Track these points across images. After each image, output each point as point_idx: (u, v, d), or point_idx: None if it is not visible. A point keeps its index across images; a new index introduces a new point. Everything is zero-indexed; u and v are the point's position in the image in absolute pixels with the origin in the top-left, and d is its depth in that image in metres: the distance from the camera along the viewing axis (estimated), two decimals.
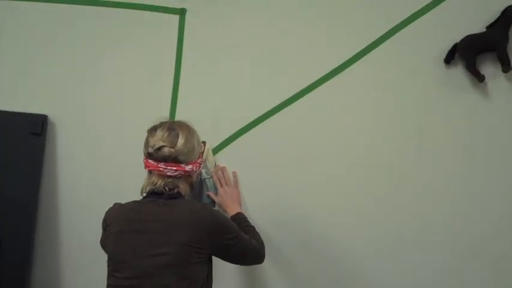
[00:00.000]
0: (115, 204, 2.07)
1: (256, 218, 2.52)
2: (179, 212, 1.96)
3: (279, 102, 2.55)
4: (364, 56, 2.48)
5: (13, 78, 2.83)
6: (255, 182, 2.55)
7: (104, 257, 2.02)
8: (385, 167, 2.46)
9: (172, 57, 2.67)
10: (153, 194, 2.03)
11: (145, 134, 2.05)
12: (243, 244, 2.08)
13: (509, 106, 2.35)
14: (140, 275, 1.91)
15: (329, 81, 2.51)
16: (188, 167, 2.04)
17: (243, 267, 2.54)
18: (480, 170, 2.38)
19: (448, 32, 2.39)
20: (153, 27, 2.68)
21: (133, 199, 2.05)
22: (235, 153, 2.57)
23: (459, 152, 2.40)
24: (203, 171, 2.48)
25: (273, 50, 2.56)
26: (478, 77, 2.34)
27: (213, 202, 2.48)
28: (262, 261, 2.23)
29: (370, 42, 2.47)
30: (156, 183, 2.02)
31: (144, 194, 2.06)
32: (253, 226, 2.31)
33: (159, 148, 2.01)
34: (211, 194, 2.50)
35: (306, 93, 2.54)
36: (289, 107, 2.55)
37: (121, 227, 2.00)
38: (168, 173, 2.02)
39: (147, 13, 2.69)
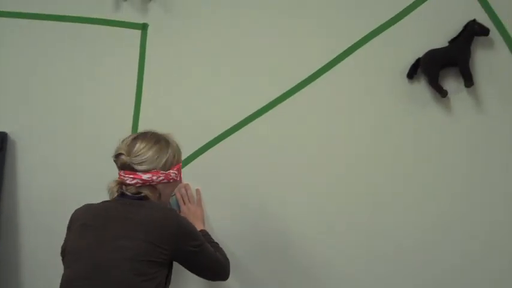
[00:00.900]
0: (84, 204, 2.07)
1: (230, 227, 2.50)
2: (145, 213, 1.95)
3: (244, 115, 2.52)
4: (325, 72, 2.45)
5: None
6: (224, 195, 2.52)
7: None
8: (355, 178, 2.44)
9: (134, 72, 2.63)
10: (121, 196, 2.04)
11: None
12: (207, 254, 2.07)
13: (472, 121, 2.33)
14: (97, 267, 1.88)
15: (287, 100, 2.49)
16: (145, 176, 2.01)
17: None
18: (442, 186, 2.36)
19: (411, 46, 2.37)
20: (115, 43, 2.64)
21: None
22: (201, 167, 2.54)
23: (420, 167, 2.37)
24: None
25: (236, 61, 2.53)
26: (441, 92, 2.31)
27: None
28: (226, 278, 2.20)
29: (332, 58, 2.44)
30: (119, 190, 2.04)
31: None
32: (217, 243, 2.28)
33: (117, 156, 2.04)
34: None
35: (267, 111, 2.52)
36: (255, 120, 2.53)
37: (84, 222, 1.99)
38: (127, 181, 2.01)
39: (109, 28, 2.65)
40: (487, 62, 2.32)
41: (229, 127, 2.54)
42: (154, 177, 2.02)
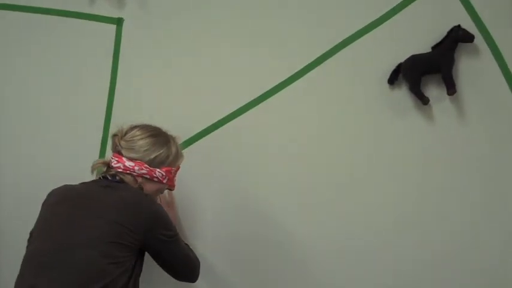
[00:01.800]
0: (63, 185, 2.02)
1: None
2: (120, 195, 1.90)
3: (222, 113, 2.46)
4: (302, 76, 2.38)
5: None
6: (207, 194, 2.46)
7: None
8: (335, 182, 2.37)
9: (108, 67, 2.56)
10: (100, 178, 2.02)
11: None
12: (179, 248, 2.02)
13: (454, 130, 2.25)
14: (61, 245, 1.81)
15: (263, 102, 2.42)
16: (128, 163, 1.98)
17: None
18: (424, 196, 2.29)
19: (392, 51, 2.28)
20: (90, 37, 2.56)
21: None
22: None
23: (400, 176, 2.31)
24: None
25: (215, 57, 2.45)
26: (422, 100, 2.23)
27: None
28: (195, 280, 2.14)
29: (310, 61, 2.36)
30: (103, 170, 2.03)
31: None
32: (187, 244, 2.19)
33: (112, 135, 2.04)
34: None
35: (246, 110, 2.45)
36: (235, 119, 2.46)
37: (55, 200, 1.95)
38: (112, 163, 2.00)
39: (84, 22, 2.57)
40: (471, 69, 2.23)
41: (207, 125, 2.47)
42: (136, 168, 1.98)
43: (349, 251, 2.35)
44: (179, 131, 2.22)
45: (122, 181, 1.98)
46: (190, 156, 2.28)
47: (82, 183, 2.02)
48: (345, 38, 2.33)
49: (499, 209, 2.23)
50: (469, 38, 2.19)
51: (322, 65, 2.36)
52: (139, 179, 2.01)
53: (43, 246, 1.84)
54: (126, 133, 2.03)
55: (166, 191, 2.34)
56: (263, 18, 2.42)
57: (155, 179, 2.03)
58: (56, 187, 2.02)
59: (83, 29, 2.58)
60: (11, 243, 2.59)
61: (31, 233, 1.95)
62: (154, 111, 2.43)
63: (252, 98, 2.42)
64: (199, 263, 2.15)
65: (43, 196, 2.05)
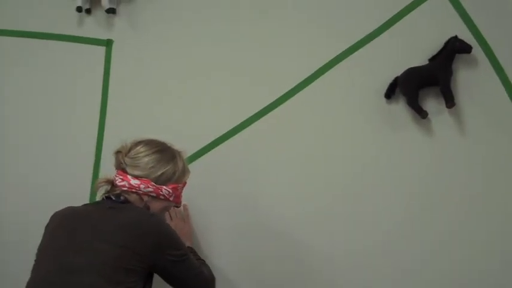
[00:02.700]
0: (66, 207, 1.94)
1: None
2: (124, 215, 1.81)
3: (213, 133, 2.41)
4: (300, 90, 2.33)
5: None
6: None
7: None
8: (332, 202, 2.31)
9: (99, 89, 2.52)
10: (104, 199, 1.93)
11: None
12: (190, 267, 1.92)
13: (453, 143, 2.19)
14: (64, 270, 1.72)
15: (257, 121, 2.37)
16: (134, 182, 1.89)
17: None
18: (423, 210, 2.22)
19: (389, 64, 2.23)
20: (79, 59, 2.53)
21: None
22: None
23: (400, 191, 2.24)
24: None
25: (203, 77, 2.41)
26: (421, 113, 2.17)
27: None
28: None
29: (308, 75, 2.32)
30: (107, 190, 1.94)
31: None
32: (203, 260, 2.15)
33: (116, 152, 1.95)
34: None
35: (235, 133, 2.39)
36: (226, 142, 2.41)
37: (58, 223, 1.86)
38: (116, 181, 1.91)
39: (73, 44, 2.54)
40: (469, 81, 2.18)
41: (200, 146, 2.42)
42: (142, 186, 1.90)
43: (348, 259, 2.29)
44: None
45: (126, 201, 1.90)
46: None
47: (85, 205, 1.94)
48: (341, 51, 2.29)
49: (500, 220, 2.16)
50: (466, 48, 2.13)
51: (318, 79, 2.32)
52: (145, 198, 1.93)
53: (45, 272, 1.76)
54: (130, 149, 1.94)
55: (182, 206, 2.28)
56: (260, 30, 2.39)
57: (161, 197, 1.95)
58: (54, 209, 1.94)
59: (73, 52, 2.55)
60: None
61: (35, 258, 1.86)
62: (146, 130, 2.34)
63: (248, 116, 2.39)
64: (214, 279, 2.06)
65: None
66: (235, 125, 2.38)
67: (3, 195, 2.58)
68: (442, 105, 2.17)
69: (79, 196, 2.04)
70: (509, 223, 2.15)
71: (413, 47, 2.22)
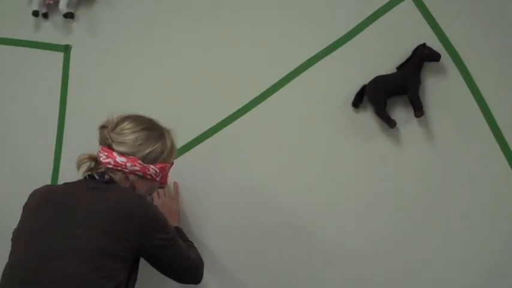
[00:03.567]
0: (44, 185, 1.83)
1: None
2: (108, 197, 1.70)
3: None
4: (265, 99, 2.28)
5: None
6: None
7: None
8: (299, 213, 2.25)
9: (56, 95, 2.46)
10: (87, 178, 1.80)
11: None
12: (179, 251, 1.82)
13: (422, 153, 2.13)
14: (43, 257, 1.63)
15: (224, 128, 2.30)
16: (120, 159, 1.78)
17: None
18: (390, 222, 2.17)
19: (356, 72, 2.17)
20: (38, 65, 2.47)
21: None
22: None
23: (367, 201, 2.19)
24: None
25: (167, 83, 2.36)
26: (389, 123, 2.12)
27: None
28: (199, 281, 1.96)
29: (272, 84, 2.27)
30: (90, 167, 1.82)
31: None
32: (191, 242, 2.06)
33: (101, 127, 1.83)
34: None
35: (203, 139, 2.33)
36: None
37: (36, 205, 1.75)
38: (101, 158, 1.79)
39: (30, 50, 2.47)
40: (438, 89, 2.12)
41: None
42: (128, 164, 1.79)
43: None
44: None
45: (111, 180, 1.78)
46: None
47: (66, 184, 1.81)
48: (306, 58, 2.23)
49: (471, 226, 2.12)
50: (434, 56, 2.08)
51: (282, 88, 2.26)
52: (131, 176, 1.82)
53: (24, 259, 1.66)
54: (117, 125, 1.82)
55: (171, 184, 2.24)
56: (222, 32, 2.34)
57: (148, 177, 1.84)
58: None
59: (30, 57, 2.49)
60: None
61: (12, 239, 1.77)
62: None
63: (219, 119, 2.33)
64: (202, 263, 1.98)
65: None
66: (203, 130, 2.33)
67: None
68: (411, 113, 2.12)
69: None
70: (478, 230, 2.10)
71: (381, 55, 2.16)
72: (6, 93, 2.49)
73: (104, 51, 2.41)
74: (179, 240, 1.84)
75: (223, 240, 2.30)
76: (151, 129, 1.85)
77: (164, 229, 1.77)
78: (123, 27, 2.39)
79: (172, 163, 1.95)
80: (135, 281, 1.80)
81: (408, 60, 2.10)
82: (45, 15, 2.44)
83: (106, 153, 1.79)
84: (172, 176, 2.06)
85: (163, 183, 1.93)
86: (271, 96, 2.26)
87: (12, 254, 1.72)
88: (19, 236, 1.74)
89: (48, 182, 2.41)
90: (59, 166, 2.43)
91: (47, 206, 1.73)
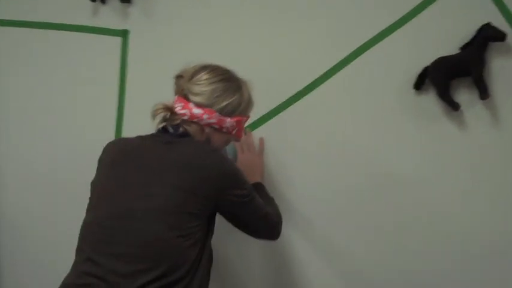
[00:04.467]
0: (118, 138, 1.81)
1: None
2: (182, 152, 1.66)
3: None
4: (326, 80, 2.23)
5: None
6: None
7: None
8: (360, 200, 2.23)
9: (115, 80, 2.47)
10: (160, 131, 1.77)
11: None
12: (255, 208, 1.78)
13: (488, 137, 2.06)
14: (121, 216, 1.63)
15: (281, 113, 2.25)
16: (196, 110, 1.73)
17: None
18: (457, 206, 2.13)
19: (418, 53, 2.10)
20: (95, 50, 2.47)
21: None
22: None
23: (431, 187, 2.14)
24: None
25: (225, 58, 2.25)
26: (453, 106, 2.05)
27: None
28: (276, 238, 1.92)
29: (332, 65, 2.21)
30: (165, 118, 1.76)
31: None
32: (272, 197, 2.00)
33: (177, 76, 1.80)
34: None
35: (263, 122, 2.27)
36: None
37: (113, 159, 1.74)
38: (176, 109, 1.74)
39: (88, 35, 2.47)
40: (505, 71, 2.03)
41: None
42: (205, 116, 1.74)
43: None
44: None
45: (185, 134, 1.74)
46: None
47: (139, 137, 1.78)
48: (366, 40, 2.17)
49: None
50: (499, 36, 1.99)
51: (343, 69, 2.21)
52: (207, 129, 1.77)
53: (101, 217, 1.67)
54: (193, 75, 1.78)
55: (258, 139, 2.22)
56: (279, 19, 2.28)
57: (224, 130, 1.79)
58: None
59: (88, 42, 2.49)
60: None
61: (91, 192, 1.76)
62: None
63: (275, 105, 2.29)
64: (280, 220, 1.92)
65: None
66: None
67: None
68: (476, 96, 2.05)
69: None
70: None
71: (443, 35, 2.08)
72: (66, 77, 2.53)
73: (162, 34, 2.40)
74: (256, 196, 1.79)
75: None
76: (229, 80, 1.80)
77: (240, 185, 1.72)
78: (181, 9, 2.37)
79: (249, 116, 1.90)
80: (212, 235, 1.77)
81: (472, 40, 2.02)
82: (103, 0, 2.42)
83: (182, 104, 1.75)
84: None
85: (238, 137, 1.87)
86: (332, 78, 2.23)
87: (88, 209, 1.72)
88: (95, 191, 1.73)
89: None
90: None
91: (122, 162, 1.71)
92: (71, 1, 2.47)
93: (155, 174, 1.64)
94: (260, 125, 2.28)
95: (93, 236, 1.66)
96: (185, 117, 1.74)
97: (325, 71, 2.21)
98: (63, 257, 1.75)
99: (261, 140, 2.22)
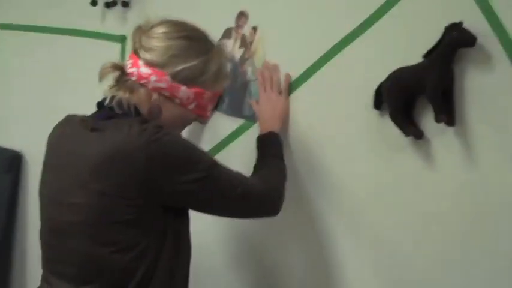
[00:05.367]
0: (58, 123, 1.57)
1: None
2: (105, 143, 1.35)
3: None
4: None
5: None
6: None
7: None
8: None
9: None
10: (97, 111, 1.49)
11: None
12: (225, 186, 1.43)
13: (460, 174, 1.53)
14: (56, 231, 1.44)
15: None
16: (144, 70, 1.42)
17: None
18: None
19: (378, 65, 1.65)
20: (96, 55, 2.34)
21: None
22: None
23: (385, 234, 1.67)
24: (249, 69, 1.90)
25: None
26: (405, 131, 1.59)
27: None
28: (273, 214, 1.56)
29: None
30: (116, 80, 1.47)
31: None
32: (280, 159, 1.66)
33: (135, 29, 1.51)
34: (254, 103, 1.84)
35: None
36: None
37: (45, 158, 1.53)
38: (127, 66, 1.46)
39: (89, 40, 2.44)
40: (482, 87, 1.48)
41: None
42: (152, 78, 1.43)
43: None
44: None
45: (113, 115, 1.42)
46: None
47: (75, 120, 1.50)
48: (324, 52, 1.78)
49: None
50: (467, 41, 1.45)
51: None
52: (155, 95, 1.45)
53: (43, 233, 1.51)
54: (152, 27, 1.47)
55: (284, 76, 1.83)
56: None
57: (177, 100, 1.46)
58: None
59: (91, 46, 2.47)
60: None
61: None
62: None
63: None
64: (277, 192, 1.56)
65: None
66: None
67: None
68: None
69: None
70: None
71: (409, 39, 1.60)
72: (66, 82, 2.52)
73: None
74: (222, 170, 1.43)
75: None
76: (193, 39, 1.48)
77: (189, 166, 1.36)
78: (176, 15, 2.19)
79: (218, 93, 1.56)
80: (185, 233, 1.48)
81: (437, 46, 1.50)
82: (108, 5, 2.35)
83: (132, 61, 1.45)
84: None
85: (201, 116, 1.54)
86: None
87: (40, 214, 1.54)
88: (39, 194, 1.55)
89: None
90: None
91: (49, 162, 1.51)
92: (73, 6, 2.48)
93: (75, 178, 1.37)
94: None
95: (43, 253, 1.53)
96: (133, 78, 1.43)
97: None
98: None
99: (287, 76, 1.80)
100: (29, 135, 2.62)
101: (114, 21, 2.36)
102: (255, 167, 1.63)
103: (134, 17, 2.27)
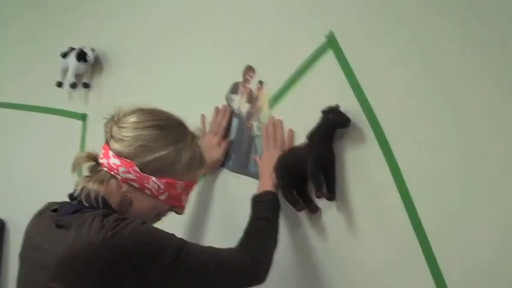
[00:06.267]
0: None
1: None
2: (65, 241, 1.28)
3: None
4: None
5: None
6: None
7: None
8: None
9: None
10: (70, 202, 1.44)
11: None
12: (196, 264, 1.34)
13: (344, 245, 1.63)
14: None
15: None
16: (113, 161, 1.38)
17: None
18: None
19: None
20: (60, 131, 2.63)
21: None
22: None
23: None
24: (254, 124, 1.86)
25: None
26: (295, 206, 1.70)
27: None
28: (257, 282, 1.47)
29: None
30: (91, 170, 1.44)
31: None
32: (269, 221, 1.57)
33: (107, 120, 1.46)
34: (258, 159, 1.80)
35: None
36: None
37: (21, 248, 1.46)
38: (100, 156, 1.43)
39: (52, 117, 2.63)
40: (358, 165, 1.61)
41: None
42: (121, 169, 1.38)
43: None
44: None
45: (80, 208, 1.36)
46: None
47: (42, 213, 1.47)
48: None
49: None
50: (341, 122, 1.58)
51: None
52: (124, 187, 1.39)
53: None
54: (124, 116, 1.43)
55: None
56: None
57: (147, 192, 1.40)
58: None
59: (56, 123, 2.64)
60: None
61: None
62: None
63: None
64: (258, 260, 1.47)
65: None
66: None
67: None
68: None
69: None
70: None
71: (304, 118, 1.71)
72: (29, 156, 2.70)
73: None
74: (192, 247, 1.36)
75: None
76: (164, 128, 1.42)
77: (154, 255, 1.28)
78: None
79: (192, 183, 1.50)
80: None
81: (318, 127, 1.63)
82: (74, 86, 2.50)
83: (103, 151, 1.41)
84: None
85: (175, 207, 1.47)
86: None
87: None
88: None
89: None
90: None
91: (23, 253, 1.45)
92: (39, 84, 2.69)
93: (39, 275, 1.32)
94: None
95: None
96: (105, 168, 1.39)
97: None
98: None
99: (290, 132, 1.73)
100: (9, 204, 2.82)
101: (77, 101, 2.55)
102: (243, 232, 1.55)
103: (94, 97, 2.49)
